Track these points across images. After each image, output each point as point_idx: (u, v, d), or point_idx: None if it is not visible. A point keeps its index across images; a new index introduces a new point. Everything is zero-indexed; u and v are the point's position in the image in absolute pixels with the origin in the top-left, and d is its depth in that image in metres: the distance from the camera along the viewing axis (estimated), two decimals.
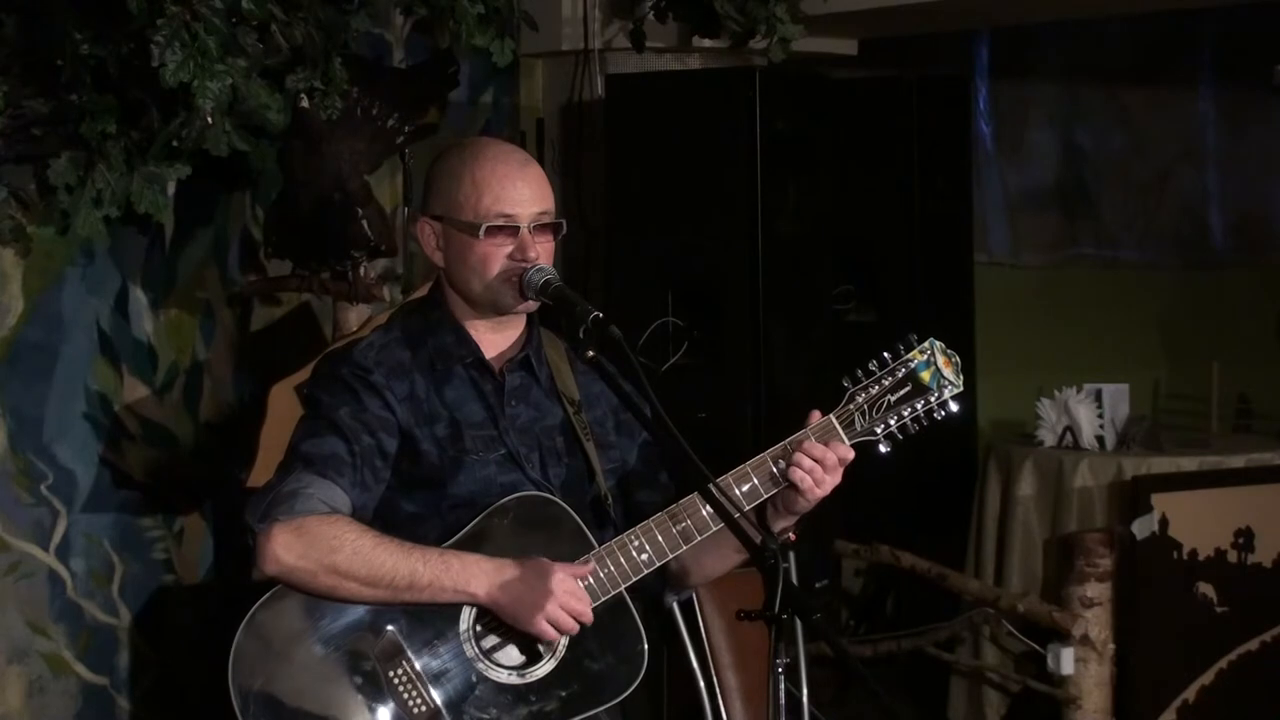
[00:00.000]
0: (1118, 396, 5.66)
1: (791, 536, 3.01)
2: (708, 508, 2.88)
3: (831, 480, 2.93)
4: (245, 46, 4.05)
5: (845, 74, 6.05)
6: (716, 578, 3.15)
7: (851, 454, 2.95)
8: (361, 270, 4.70)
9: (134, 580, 4.85)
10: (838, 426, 2.96)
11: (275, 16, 4.14)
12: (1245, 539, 5.33)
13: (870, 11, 5.48)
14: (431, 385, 2.99)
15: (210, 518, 4.98)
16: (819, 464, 2.92)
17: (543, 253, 2.98)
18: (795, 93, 5.33)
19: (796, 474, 2.92)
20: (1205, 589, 5.28)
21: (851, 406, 2.96)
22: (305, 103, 4.45)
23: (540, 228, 2.98)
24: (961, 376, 3.00)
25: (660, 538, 2.93)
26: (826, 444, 2.93)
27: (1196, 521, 5.27)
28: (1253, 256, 7.58)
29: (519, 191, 2.97)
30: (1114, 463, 5.43)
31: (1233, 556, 5.31)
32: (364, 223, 4.65)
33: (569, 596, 2.85)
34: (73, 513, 4.73)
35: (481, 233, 2.95)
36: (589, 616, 2.87)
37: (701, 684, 3.85)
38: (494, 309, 3.02)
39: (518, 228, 2.96)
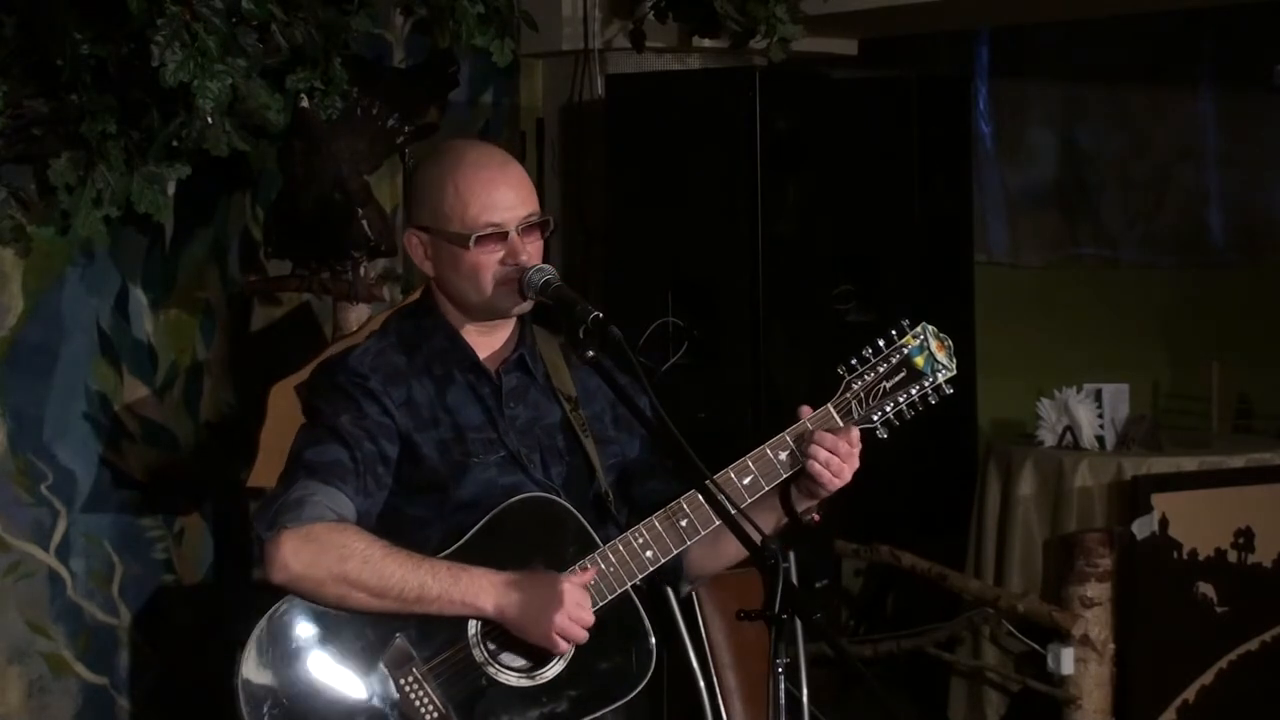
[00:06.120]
0: (1118, 396, 5.65)
1: (815, 518, 3.01)
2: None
3: (850, 466, 2.95)
4: (245, 46, 4.05)
5: (845, 74, 6.04)
6: (725, 570, 3.15)
7: (858, 436, 2.95)
8: (361, 270, 4.70)
9: (134, 580, 4.85)
10: (835, 416, 2.96)
11: (275, 16, 4.14)
12: (1245, 539, 5.32)
13: (870, 11, 5.48)
14: (429, 390, 2.99)
15: (210, 518, 4.97)
16: (834, 454, 2.92)
17: (533, 253, 2.97)
18: (795, 93, 5.33)
19: (815, 468, 2.93)
20: (1205, 589, 5.27)
21: (848, 395, 2.97)
22: (305, 103, 4.45)
23: (528, 229, 2.98)
24: (955, 360, 3.01)
25: (664, 534, 2.93)
26: (833, 434, 2.93)
27: (1196, 521, 5.26)
28: (1253, 256, 7.58)
29: (504, 197, 2.95)
30: (1114, 463, 5.43)
31: (1233, 556, 5.30)
32: (364, 223, 4.64)
33: (576, 607, 2.85)
34: (73, 513, 4.73)
35: (472, 243, 2.94)
36: (591, 622, 2.88)
37: (701, 684, 3.84)
38: (491, 314, 3.02)
39: (506, 233, 2.95)
